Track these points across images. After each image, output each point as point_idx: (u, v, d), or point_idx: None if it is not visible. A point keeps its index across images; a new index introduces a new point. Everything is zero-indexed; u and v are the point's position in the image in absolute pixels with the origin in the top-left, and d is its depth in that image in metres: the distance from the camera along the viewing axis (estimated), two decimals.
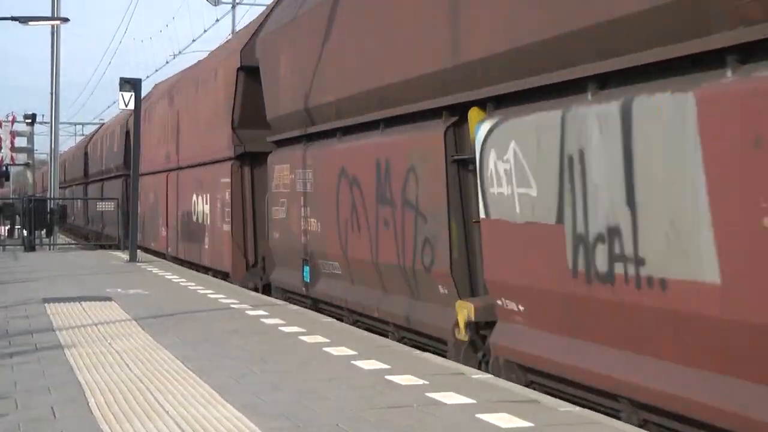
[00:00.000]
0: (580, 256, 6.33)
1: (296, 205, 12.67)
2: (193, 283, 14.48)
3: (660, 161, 5.52)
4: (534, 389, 6.92)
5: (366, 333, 9.44)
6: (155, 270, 17.30)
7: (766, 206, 4.74)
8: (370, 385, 6.59)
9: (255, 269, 15.27)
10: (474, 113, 8.03)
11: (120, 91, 20.12)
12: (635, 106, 5.74)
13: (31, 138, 38.64)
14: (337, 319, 10.82)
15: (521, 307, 7.25)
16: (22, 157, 39.40)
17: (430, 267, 8.74)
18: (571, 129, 6.40)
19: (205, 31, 62.76)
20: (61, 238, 33.28)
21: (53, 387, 6.56)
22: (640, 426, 5.97)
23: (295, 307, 11.63)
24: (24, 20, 22.41)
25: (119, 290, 13.38)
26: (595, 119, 6.12)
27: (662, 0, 5.48)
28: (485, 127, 7.62)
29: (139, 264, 19.02)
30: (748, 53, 5.00)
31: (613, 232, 5.96)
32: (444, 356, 8.29)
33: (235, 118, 15.37)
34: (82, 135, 76.85)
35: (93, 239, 28.23)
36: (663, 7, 5.49)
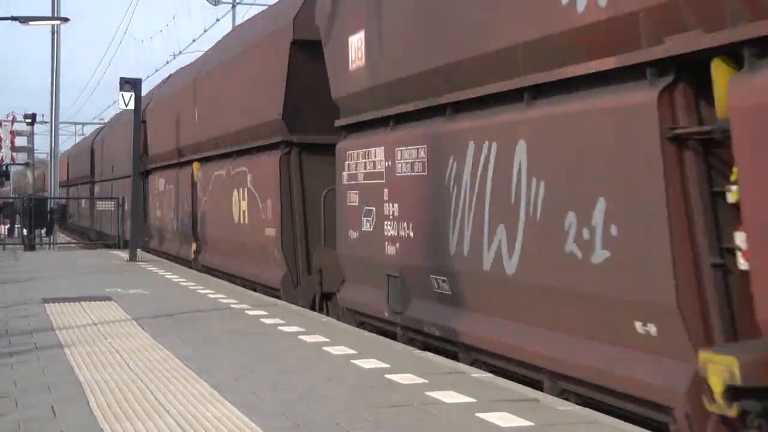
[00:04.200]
0: None
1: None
2: (193, 283, 14.49)
3: None
4: None
5: (366, 333, 9.45)
6: (155, 269, 17.31)
7: None
8: (369, 384, 6.60)
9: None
10: None
11: (120, 91, 20.12)
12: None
13: (31, 138, 38.63)
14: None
15: None
16: (22, 157, 39.39)
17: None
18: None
19: (205, 31, 62.79)
20: (62, 237, 33.27)
21: (53, 386, 6.57)
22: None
23: (295, 307, 11.64)
24: (24, 20, 22.42)
25: (119, 290, 13.38)
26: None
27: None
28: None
29: (139, 263, 19.03)
30: None
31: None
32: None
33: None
34: (82, 135, 76.93)
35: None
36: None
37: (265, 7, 20.03)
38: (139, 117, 20.37)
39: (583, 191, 6.18)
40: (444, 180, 8.28)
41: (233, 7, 42.15)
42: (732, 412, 5.01)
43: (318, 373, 7.04)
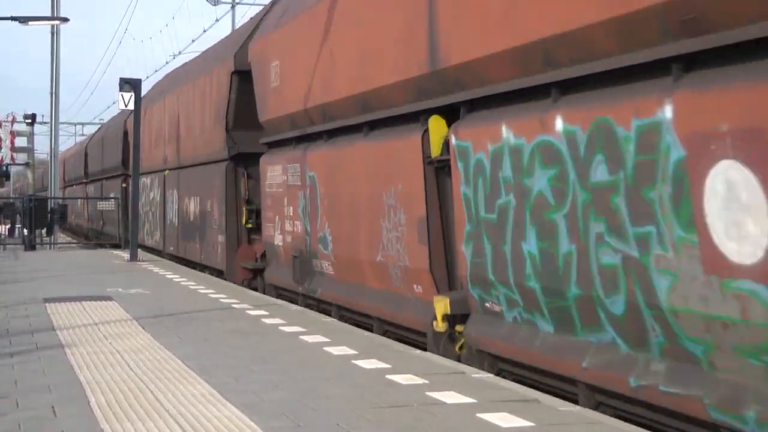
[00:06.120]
0: None
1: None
2: (193, 283, 14.48)
3: None
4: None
5: (367, 333, 9.45)
6: (156, 269, 17.31)
7: None
8: (370, 384, 6.60)
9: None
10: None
11: (120, 91, 20.12)
12: None
13: (31, 138, 38.63)
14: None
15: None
16: (22, 157, 39.40)
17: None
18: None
19: (204, 31, 62.70)
20: (62, 237, 33.29)
21: (54, 386, 6.57)
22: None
23: (296, 307, 11.64)
24: (24, 20, 22.43)
25: (120, 290, 13.38)
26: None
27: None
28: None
29: (139, 263, 19.03)
30: None
31: None
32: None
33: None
34: (83, 135, 76.98)
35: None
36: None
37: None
38: (139, 117, 20.36)
39: None
40: None
41: (233, 7, 42.14)
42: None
43: (319, 373, 7.04)
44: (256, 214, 15.49)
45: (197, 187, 18.47)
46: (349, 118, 10.69)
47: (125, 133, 28.17)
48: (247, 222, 15.77)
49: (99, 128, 45.29)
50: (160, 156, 22.84)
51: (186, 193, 19.68)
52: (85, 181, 42.97)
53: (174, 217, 21.08)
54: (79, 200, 41.80)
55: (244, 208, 15.72)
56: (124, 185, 28.62)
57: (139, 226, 23.55)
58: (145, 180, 24.40)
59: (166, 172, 22.05)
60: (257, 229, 15.43)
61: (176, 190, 20.87)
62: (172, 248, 21.30)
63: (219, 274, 16.43)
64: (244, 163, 15.88)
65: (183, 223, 20.04)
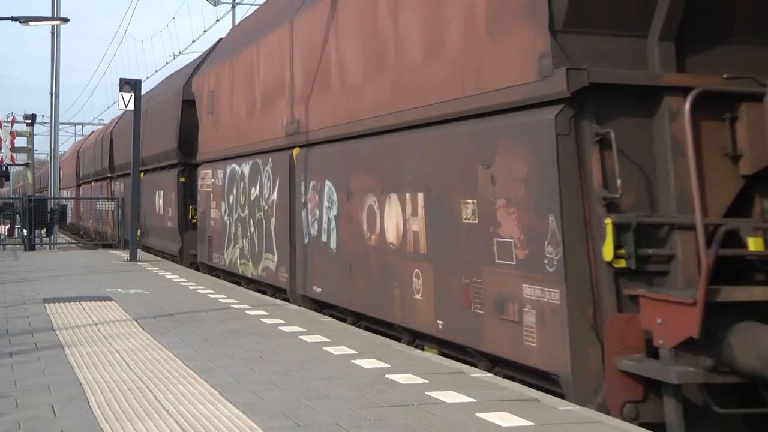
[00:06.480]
0: None
1: None
2: (193, 283, 14.48)
3: None
4: None
5: (366, 333, 9.45)
6: (155, 269, 17.30)
7: None
8: (370, 383, 6.60)
9: None
10: None
11: (120, 91, 20.12)
12: None
13: (30, 138, 38.65)
14: None
15: None
16: (22, 157, 39.42)
17: None
18: None
19: (205, 31, 62.88)
20: (61, 238, 33.28)
21: (53, 386, 6.57)
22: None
23: (296, 307, 11.63)
24: (24, 20, 22.42)
25: (119, 290, 13.38)
26: None
27: None
28: None
29: (139, 263, 19.02)
30: None
31: None
32: None
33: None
34: (82, 135, 77.00)
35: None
36: None
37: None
38: (139, 117, 20.34)
39: None
40: None
41: (233, 7, 42.13)
42: None
43: (318, 373, 7.04)
44: (634, 235, 6.50)
45: (415, 173, 8.91)
46: None
47: (185, 103, 19.87)
48: (615, 256, 6.51)
49: None
50: (271, 126, 13.85)
51: (368, 186, 10.14)
52: (110, 175, 34.70)
53: (324, 234, 11.62)
54: (95, 201, 40.52)
55: (608, 223, 6.51)
56: (182, 179, 20.19)
57: (228, 240, 16.11)
58: (235, 167, 15.67)
59: (296, 149, 12.90)
60: (639, 271, 6.55)
61: (329, 180, 11.47)
62: (319, 290, 11.65)
63: (529, 386, 6.84)
64: (588, 114, 6.66)
65: (356, 247, 10.55)
